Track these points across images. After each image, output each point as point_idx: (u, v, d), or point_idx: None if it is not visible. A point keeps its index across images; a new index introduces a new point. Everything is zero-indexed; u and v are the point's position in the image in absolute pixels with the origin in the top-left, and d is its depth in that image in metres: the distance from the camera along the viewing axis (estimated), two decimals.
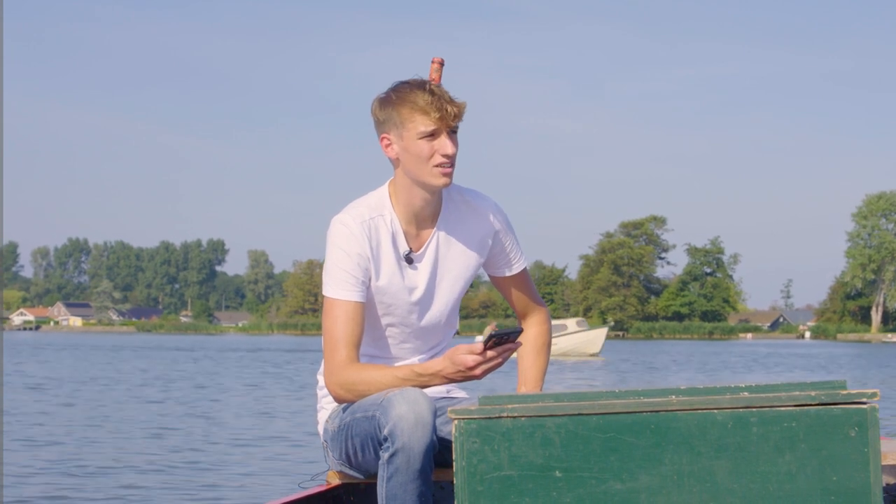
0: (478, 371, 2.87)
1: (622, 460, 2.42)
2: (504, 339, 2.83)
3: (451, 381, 2.92)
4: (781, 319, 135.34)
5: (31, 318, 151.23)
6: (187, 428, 12.10)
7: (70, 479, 8.10)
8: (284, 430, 11.88)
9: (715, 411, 2.41)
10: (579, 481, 2.42)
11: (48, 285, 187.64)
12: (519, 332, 2.84)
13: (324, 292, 3.06)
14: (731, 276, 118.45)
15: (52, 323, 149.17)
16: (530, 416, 2.43)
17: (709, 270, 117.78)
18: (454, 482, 2.46)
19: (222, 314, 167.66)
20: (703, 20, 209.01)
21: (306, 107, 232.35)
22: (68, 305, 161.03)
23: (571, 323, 47.10)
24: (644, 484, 2.41)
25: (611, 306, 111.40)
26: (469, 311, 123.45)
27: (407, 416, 2.77)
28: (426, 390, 2.98)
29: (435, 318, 3.17)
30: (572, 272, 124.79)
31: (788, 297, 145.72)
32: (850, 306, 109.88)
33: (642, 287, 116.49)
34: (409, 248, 3.11)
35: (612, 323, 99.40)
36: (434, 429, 2.81)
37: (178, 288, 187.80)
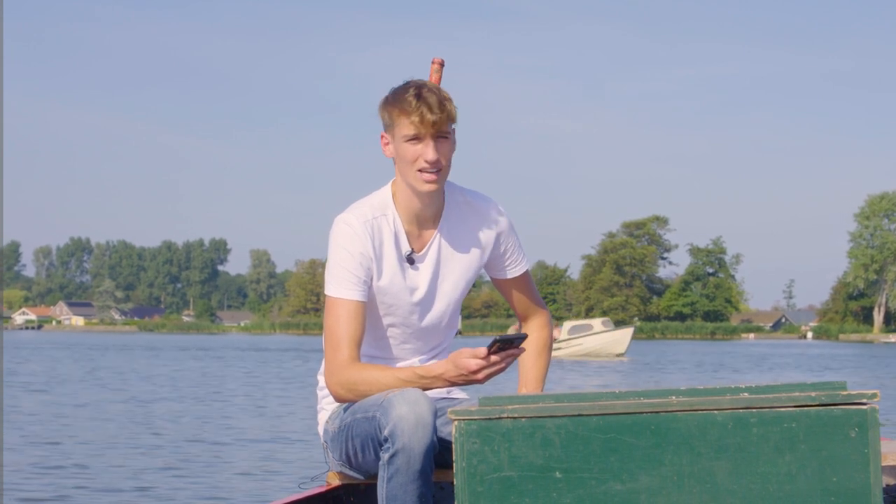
0: (480, 375, 2.87)
1: (622, 461, 2.42)
2: (508, 345, 2.83)
3: (453, 384, 2.92)
4: (783, 320, 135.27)
5: (33, 317, 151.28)
6: (187, 428, 12.10)
7: (70, 479, 8.09)
8: (284, 431, 11.88)
9: (715, 412, 2.41)
10: (579, 482, 2.42)
11: (50, 284, 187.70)
12: (523, 337, 2.85)
13: (326, 291, 3.06)
14: (733, 277, 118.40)
15: (54, 322, 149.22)
16: (530, 417, 2.43)
17: (711, 270, 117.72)
18: (454, 483, 2.46)
19: (224, 314, 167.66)
20: (703, 20, 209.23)
21: (306, 107, 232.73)
22: (70, 305, 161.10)
23: (597, 323, 46.13)
24: (644, 485, 2.41)
25: (613, 306, 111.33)
26: (471, 312, 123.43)
27: (407, 417, 2.77)
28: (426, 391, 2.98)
29: (436, 318, 3.17)
30: (574, 272, 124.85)
31: (790, 297, 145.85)
32: (853, 307, 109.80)
33: (644, 287, 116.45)
34: (410, 249, 3.12)
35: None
36: (434, 430, 2.81)
37: (181, 287, 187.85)
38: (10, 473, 8.26)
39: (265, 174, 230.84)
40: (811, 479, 2.39)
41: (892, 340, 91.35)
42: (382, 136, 3.09)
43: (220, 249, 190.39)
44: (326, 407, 3.23)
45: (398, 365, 3.16)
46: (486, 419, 2.44)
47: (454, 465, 2.45)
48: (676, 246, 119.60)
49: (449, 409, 2.49)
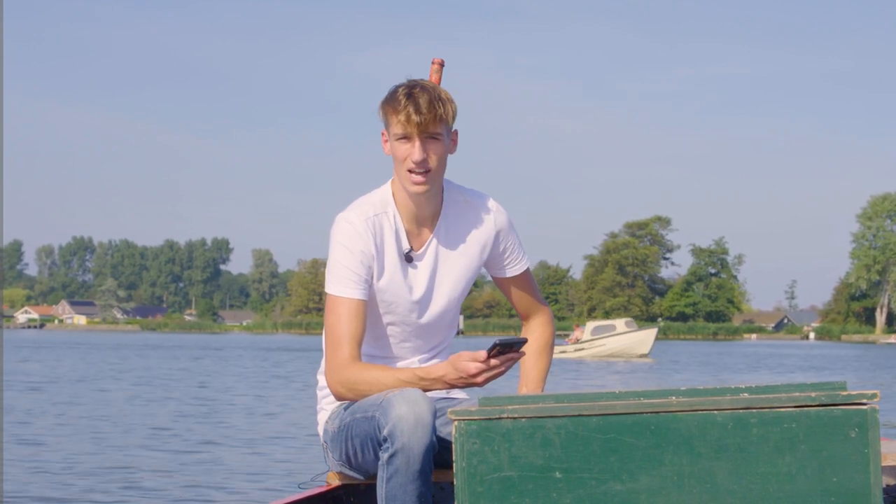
0: (480, 379, 2.87)
1: (622, 461, 2.41)
2: (508, 349, 2.83)
3: (452, 386, 2.92)
4: (786, 320, 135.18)
5: (35, 316, 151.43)
6: (187, 428, 12.11)
7: (70, 480, 8.10)
8: (284, 431, 11.88)
9: (715, 412, 2.41)
10: (579, 482, 2.41)
11: (53, 283, 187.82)
12: (523, 342, 2.85)
13: (327, 289, 3.06)
14: (735, 277, 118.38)
15: (56, 321, 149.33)
16: (530, 417, 2.43)
17: (713, 271, 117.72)
18: (454, 483, 2.45)
19: (227, 313, 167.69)
20: (703, 20, 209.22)
21: (307, 107, 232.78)
22: (73, 304, 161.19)
23: (620, 324, 45.49)
24: (644, 485, 2.41)
25: (615, 306, 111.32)
26: (473, 311, 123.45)
27: (407, 417, 2.76)
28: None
29: (435, 317, 3.17)
30: (577, 272, 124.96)
31: (792, 297, 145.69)
32: (855, 307, 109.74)
33: (647, 287, 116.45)
34: (409, 247, 3.12)
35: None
36: (434, 430, 2.81)
37: (183, 287, 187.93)
38: (10, 473, 8.26)
39: (266, 174, 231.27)
40: (811, 480, 2.39)
41: (894, 341, 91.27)
42: (382, 134, 3.09)
43: (222, 249, 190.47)
44: (326, 407, 3.22)
45: (398, 364, 3.16)
46: (486, 419, 2.44)
47: (454, 465, 2.45)
48: (679, 246, 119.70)
49: (449, 410, 2.48)
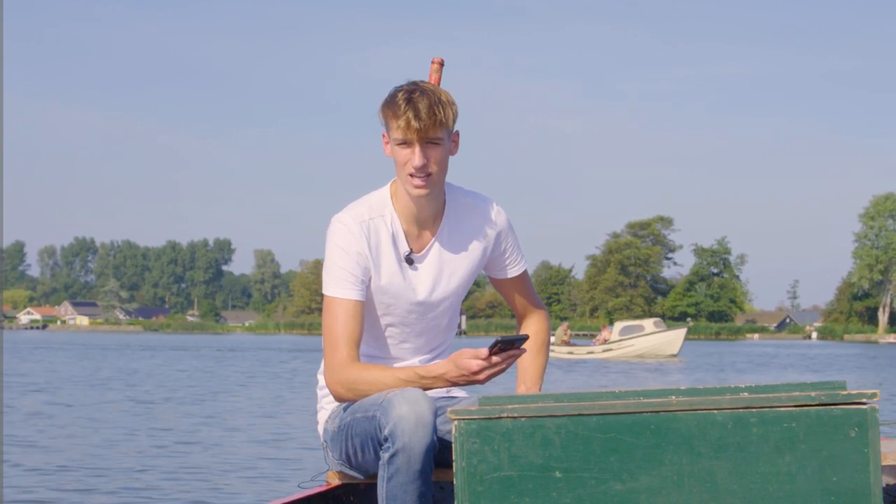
0: (482, 376, 2.87)
1: (622, 461, 2.41)
2: (509, 346, 2.83)
3: (453, 384, 2.91)
4: (788, 320, 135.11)
5: (37, 317, 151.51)
6: (187, 428, 12.11)
7: (69, 480, 8.09)
8: (284, 430, 11.88)
9: (715, 412, 2.41)
10: (579, 482, 2.41)
11: (55, 284, 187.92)
12: (525, 339, 2.85)
13: (324, 291, 3.06)
14: (737, 277, 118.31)
15: (58, 322, 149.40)
16: (530, 417, 2.43)
17: (716, 271, 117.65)
18: (454, 482, 2.45)
19: (229, 313, 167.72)
20: (703, 20, 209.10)
21: (307, 107, 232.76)
22: (75, 304, 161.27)
23: (649, 324, 44.61)
24: (644, 484, 2.41)
25: (617, 306, 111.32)
26: (475, 312, 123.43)
27: (408, 417, 2.76)
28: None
29: (435, 319, 3.17)
30: (579, 272, 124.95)
31: (795, 297, 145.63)
32: (857, 307, 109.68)
33: (649, 287, 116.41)
34: (409, 249, 3.12)
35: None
36: (435, 429, 2.81)
37: (185, 287, 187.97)
38: (10, 474, 8.26)
39: (267, 174, 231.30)
40: (811, 479, 2.38)
41: None
42: (383, 136, 3.09)
43: (224, 249, 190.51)
44: (326, 406, 3.22)
45: (398, 365, 3.16)
46: (485, 419, 2.44)
47: (454, 464, 2.45)
48: (681, 246, 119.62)
49: (448, 409, 2.48)
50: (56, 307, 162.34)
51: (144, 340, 68.61)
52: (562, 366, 32.69)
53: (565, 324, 46.59)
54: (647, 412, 2.42)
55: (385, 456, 2.81)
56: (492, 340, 2.82)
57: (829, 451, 2.38)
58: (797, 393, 2.41)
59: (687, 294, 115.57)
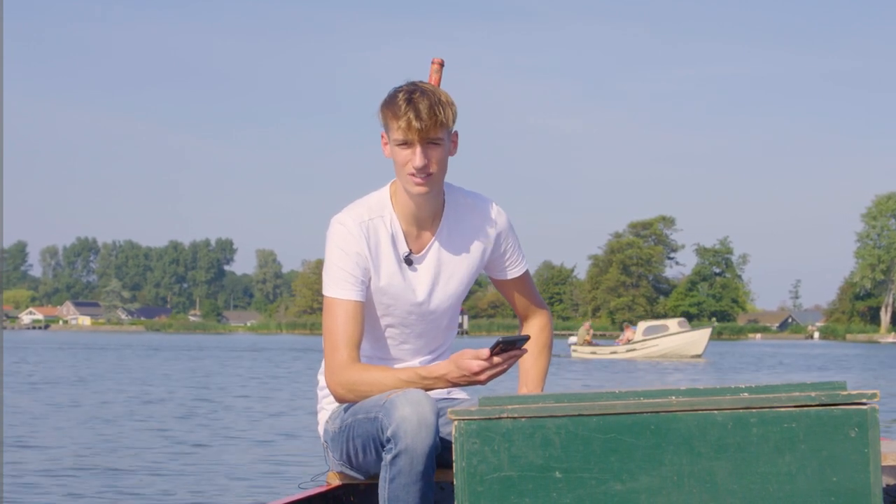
0: (483, 377, 2.87)
1: (622, 461, 2.41)
2: (511, 346, 2.83)
3: (454, 385, 2.91)
4: (790, 320, 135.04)
5: (40, 317, 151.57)
6: (187, 428, 12.11)
7: (69, 480, 8.10)
8: (284, 431, 11.88)
9: (715, 412, 2.41)
10: (579, 482, 2.41)
11: (57, 284, 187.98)
12: (526, 339, 2.85)
13: (323, 292, 3.06)
14: (739, 277, 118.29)
15: (60, 322, 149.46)
16: (530, 417, 2.43)
17: (718, 270, 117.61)
18: (454, 483, 2.45)
19: (231, 313, 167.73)
20: (703, 20, 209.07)
21: (308, 106, 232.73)
22: (77, 304, 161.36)
23: (673, 324, 44.12)
24: (644, 485, 2.41)
25: (619, 306, 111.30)
26: (477, 311, 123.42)
27: (410, 418, 2.76)
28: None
29: (435, 319, 3.17)
30: (581, 272, 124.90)
31: (797, 297, 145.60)
32: (860, 307, 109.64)
33: (651, 287, 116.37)
34: (409, 250, 3.11)
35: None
36: (437, 430, 2.81)
37: (187, 287, 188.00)
38: (10, 474, 8.26)
39: (268, 174, 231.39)
40: (811, 479, 2.38)
41: None
42: (382, 136, 3.09)
43: (226, 249, 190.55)
44: (326, 407, 3.22)
45: (399, 366, 3.16)
46: (485, 419, 2.44)
47: (454, 465, 2.45)
48: (683, 246, 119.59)
49: (449, 409, 2.48)
50: (58, 307, 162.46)
51: (146, 340, 68.60)
52: (591, 366, 32.32)
53: (587, 323, 46.29)
54: (647, 412, 2.42)
55: (388, 457, 2.81)
56: (493, 340, 2.82)
57: (829, 451, 2.38)
58: (797, 393, 2.41)
59: (689, 294, 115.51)
